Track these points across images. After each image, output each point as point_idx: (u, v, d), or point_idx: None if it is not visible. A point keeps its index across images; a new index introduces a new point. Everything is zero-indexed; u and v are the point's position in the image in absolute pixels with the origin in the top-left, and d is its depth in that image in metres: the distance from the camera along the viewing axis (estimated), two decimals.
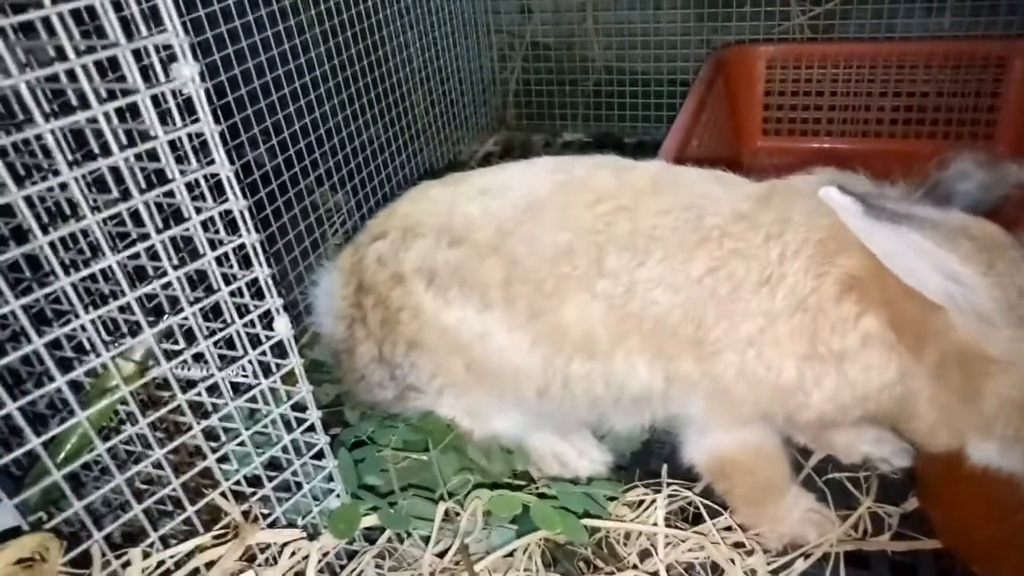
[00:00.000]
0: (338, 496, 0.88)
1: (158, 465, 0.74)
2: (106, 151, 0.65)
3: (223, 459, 0.84)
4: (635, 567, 0.95)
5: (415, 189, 1.12)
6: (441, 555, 0.91)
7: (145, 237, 0.67)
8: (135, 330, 0.72)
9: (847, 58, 1.91)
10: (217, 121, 1.19)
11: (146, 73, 0.67)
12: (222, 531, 0.76)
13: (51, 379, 0.64)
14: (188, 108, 0.67)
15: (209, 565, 0.73)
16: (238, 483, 0.85)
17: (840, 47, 1.94)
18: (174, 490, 0.74)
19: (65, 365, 0.69)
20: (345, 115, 1.64)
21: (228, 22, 1.26)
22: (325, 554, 0.87)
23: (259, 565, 0.76)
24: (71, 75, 0.66)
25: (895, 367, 0.84)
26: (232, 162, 1.23)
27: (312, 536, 0.83)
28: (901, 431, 0.97)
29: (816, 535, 0.97)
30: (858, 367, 0.84)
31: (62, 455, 0.74)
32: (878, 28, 1.99)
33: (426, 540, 0.90)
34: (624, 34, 2.23)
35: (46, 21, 0.67)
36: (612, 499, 1.02)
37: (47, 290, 0.64)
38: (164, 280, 0.69)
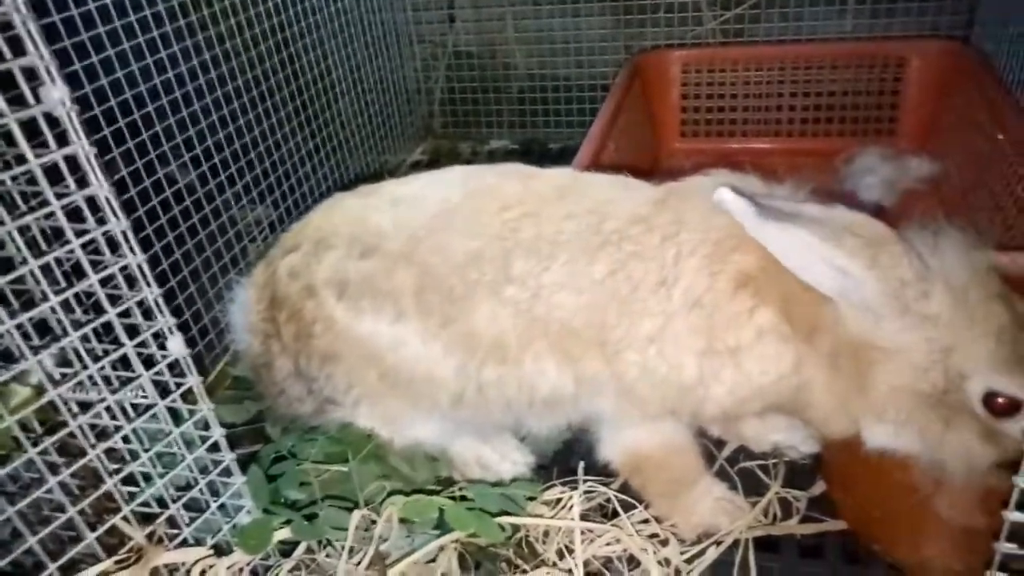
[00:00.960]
0: (248, 512, 0.88)
1: (64, 491, 0.73)
2: None
3: (134, 482, 0.83)
4: (554, 564, 0.97)
5: (328, 201, 1.12)
6: (360, 563, 0.91)
7: (24, 262, 0.66)
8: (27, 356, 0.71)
9: (757, 60, 1.98)
10: (123, 140, 1.20)
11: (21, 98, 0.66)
12: (126, 556, 0.75)
13: None
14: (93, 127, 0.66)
15: None
16: (148, 505, 0.84)
17: (750, 50, 2.01)
18: (73, 517, 0.72)
19: None
20: (264, 127, 1.63)
21: (133, 38, 1.24)
22: (240, 571, 0.86)
23: None
24: None
25: (790, 358, 0.88)
26: (142, 179, 1.24)
27: (223, 553, 0.82)
28: (800, 419, 1.01)
29: (728, 523, 1.01)
30: (754, 359, 0.88)
31: None
32: (786, 31, 2.07)
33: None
34: (545, 41, 2.26)
35: None
36: (531, 499, 1.03)
37: None
38: (48, 304, 0.67)
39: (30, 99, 0.64)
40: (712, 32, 2.12)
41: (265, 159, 1.62)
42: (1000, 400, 0.79)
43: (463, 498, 0.99)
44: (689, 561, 0.97)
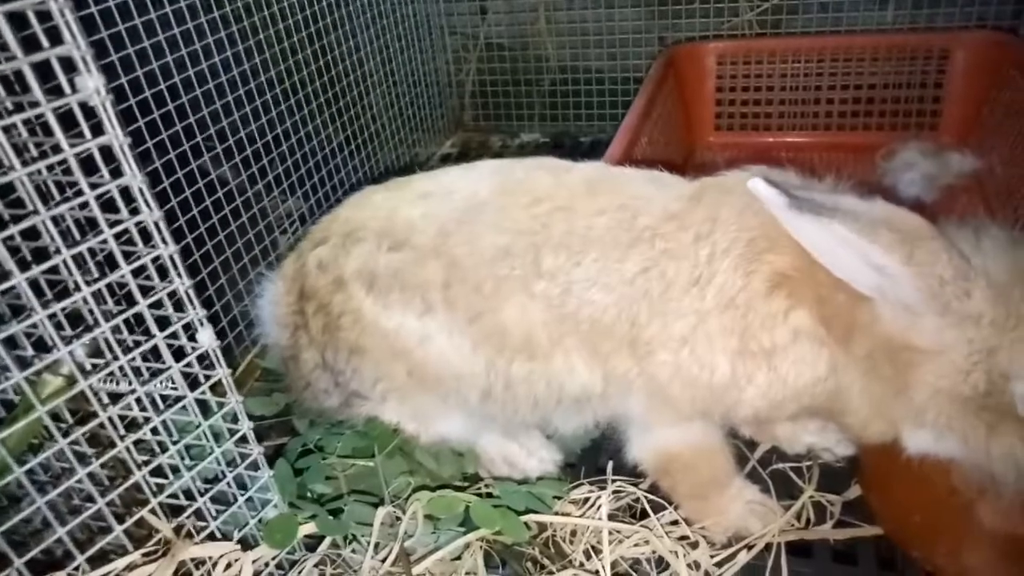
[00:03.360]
0: (275, 506, 0.88)
1: (93, 482, 0.73)
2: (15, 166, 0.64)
3: (162, 474, 0.84)
4: (581, 565, 0.95)
5: (357, 194, 1.11)
6: (386, 559, 0.90)
7: (57, 252, 0.66)
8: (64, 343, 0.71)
9: (794, 52, 1.93)
10: (157, 131, 1.21)
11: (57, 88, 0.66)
12: (153, 548, 0.75)
13: None
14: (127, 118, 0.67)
15: None
16: (176, 497, 0.85)
17: (787, 42, 1.97)
18: (102, 508, 0.73)
19: None
20: (295, 120, 1.63)
21: (167, 29, 1.25)
22: (266, 564, 0.86)
23: None
24: None
25: (825, 361, 0.86)
26: (175, 171, 1.25)
27: (249, 547, 0.82)
28: (837, 423, 0.99)
29: (760, 526, 0.98)
30: (788, 362, 0.85)
31: None
32: (825, 22, 2.02)
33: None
34: (578, 33, 2.23)
35: None
36: (558, 498, 1.02)
37: None
38: (81, 295, 0.68)
39: (66, 88, 0.64)
40: (749, 23, 2.08)
41: (296, 151, 1.63)
42: None
43: (489, 495, 0.99)
44: (719, 564, 0.95)
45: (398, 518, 0.91)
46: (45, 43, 0.61)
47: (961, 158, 1.71)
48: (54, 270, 0.70)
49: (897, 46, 1.87)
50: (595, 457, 1.15)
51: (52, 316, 0.68)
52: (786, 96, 1.99)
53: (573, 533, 1.00)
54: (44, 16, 0.64)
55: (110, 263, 0.74)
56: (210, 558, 0.78)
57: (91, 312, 0.71)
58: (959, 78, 1.83)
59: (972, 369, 0.78)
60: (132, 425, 0.81)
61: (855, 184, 0.92)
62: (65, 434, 0.69)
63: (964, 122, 1.83)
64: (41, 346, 0.84)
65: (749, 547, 0.96)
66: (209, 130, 1.36)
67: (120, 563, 0.72)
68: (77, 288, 0.68)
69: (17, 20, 0.63)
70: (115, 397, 0.77)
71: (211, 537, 0.81)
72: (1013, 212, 1.45)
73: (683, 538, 0.98)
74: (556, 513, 0.99)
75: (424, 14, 2.20)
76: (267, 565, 0.86)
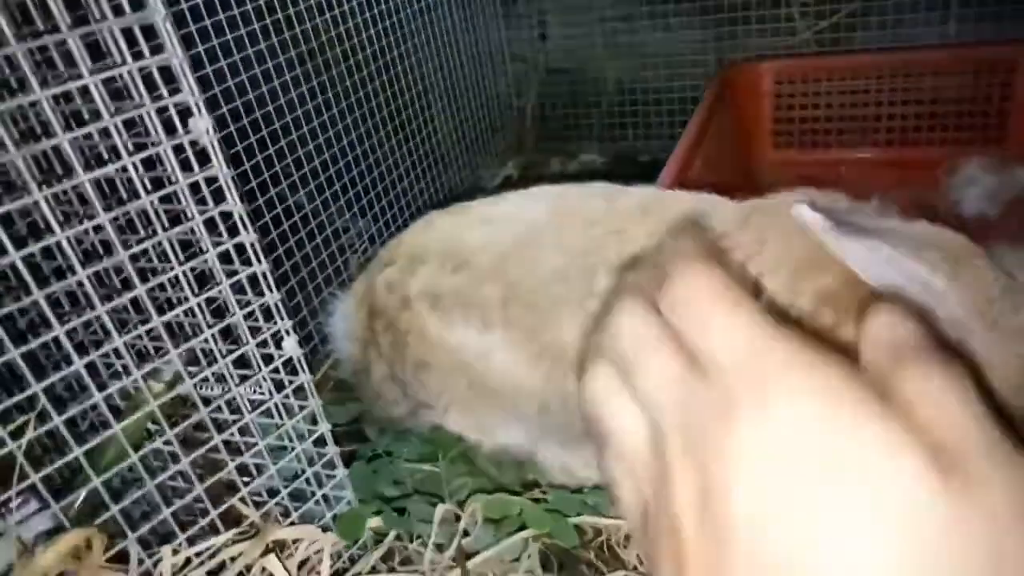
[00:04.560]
0: (348, 503, 0.96)
1: (186, 477, 0.83)
2: (133, 196, 0.74)
3: (247, 473, 0.93)
4: (635, 568, 1.00)
5: (422, 219, 1.19)
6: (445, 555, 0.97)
7: (165, 269, 0.76)
8: (163, 354, 0.81)
9: (853, 70, 1.94)
10: (240, 163, 1.33)
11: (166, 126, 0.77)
12: (244, 531, 0.84)
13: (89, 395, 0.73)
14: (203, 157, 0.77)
15: (233, 559, 0.82)
16: (260, 495, 0.94)
17: (845, 59, 1.98)
18: (199, 497, 0.82)
19: (102, 387, 0.78)
20: (366, 147, 1.74)
21: (248, 70, 1.37)
22: (339, 554, 0.94)
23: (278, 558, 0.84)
24: (104, 132, 0.76)
25: None
26: (255, 199, 1.36)
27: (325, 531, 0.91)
28: None
29: None
30: None
31: (101, 466, 0.83)
32: (884, 38, 2.02)
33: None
34: (636, 55, 2.29)
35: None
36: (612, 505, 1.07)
37: (84, 318, 0.73)
38: (187, 306, 0.77)
39: (179, 128, 0.74)
40: (807, 42, 2.10)
41: (366, 175, 1.73)
42: None
43: (545, 501, 1.04)
44: None
45: (458, 517, 0.97)
46: (164, 91, 0.72)
47: None
48: (161, 287, 0.80)
49: (960, 60, 1.86)
50: None
51: (161, 326, 0.78)
52: (846, 113, 2.00)
53: (627, 538, 1.04)
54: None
55: (201, 281, 0.84)
56: (293, 541, 0.87)
57: (191, 324, 0.80)
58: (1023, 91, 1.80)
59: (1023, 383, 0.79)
60: (222, 428, 0.90)
61: (910, 202, 0.94)
62: (172, 426, 0.78)
63: None
64: (139, 357, 0.94)
65: None
66: (287, 159, 1.47)
67: (218, 540, 0.81)
68: (182, 301, 0.77)
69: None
70: (206, 402, 0.87)
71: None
72: None
73: None
74: (610, 517, 1.03)
75: (486, 42, 2.30)
76: (340, 556, 0.94)
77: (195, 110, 0.71)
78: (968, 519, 0.31)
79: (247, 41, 1.36)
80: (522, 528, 1.00)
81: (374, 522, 0.96)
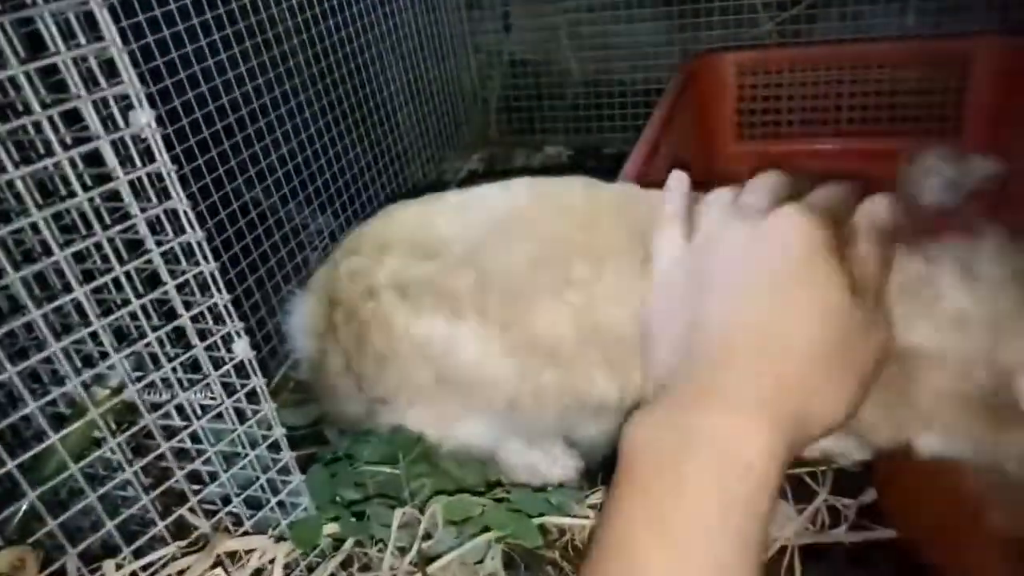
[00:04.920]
0: (305, 509, 0.93)
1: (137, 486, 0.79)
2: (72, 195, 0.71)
3: (199, 480, 0.90)
4: None
5: (391, 207, 1.15)
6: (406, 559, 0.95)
7: (110, 270, 0.72)
8: (107, 359, 0.77)
9: (814, 61, 1.95)
10: (194, 157, 1.28)
11: (107, 121, 0.73)
12: (193, 543, 0.81)
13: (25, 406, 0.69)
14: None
15: (182, 572, 0.78)
16: (212, 502, 0.90)
17: (807, 51, 1.99)
18: (146, 507, 0.79)
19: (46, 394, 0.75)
20: (325, 140, 1.70)
21: (201, 61, 1.32)
22: (296, 562, 0.91)
23: (227, 571, 0.81)
24: (36, 126, 0.72)
25: None
26: (209, 195, 1.32)
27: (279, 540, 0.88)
28: (846, 431, 1.00)
29: (774, 530, 1.00)
30: None
31: (41, 477, 0.79)
32: (845, 30, 2.04)
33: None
34: (600, 47, 2.28)
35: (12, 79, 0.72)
36: (577, 504, 1.05)
37: (17, 322, 0.69)
38: (128, 309, 0.74)
39: (120, 122, 0.70)
40: (769, 34, 2.11)
41: (326, 170, 1.69)
42: None
43: (508, 501, 1.02)
44: None
45: (418, 520, 0.95)
46: (103, 81, 0.68)
47: (984, 163, 1.70)
48: (102, 289, 0.76)
49: (917, 52, 1.88)
50: (615, 464, 1.18)
51: (104, 330, 0.75)
52: (808, 104, 2.00)
53: (591, 537, 1.03)
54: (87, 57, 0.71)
55: (151, 282, 0.81)
56: (245, 551, 0.84)
57: (136, 328, 0.77)
58: (981, 83, 1.83)
59: (972, 368, 0.79)
60: (172, 434, 0.87)
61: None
62: (122, 433, 0.75)
63: (987, 127, 1.83)
64: (86, 363, 0.90)
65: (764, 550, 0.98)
66: (243, 154, 1.43)
67: (166, 551, 0.78)
68: (124, 304, 0.74)
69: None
70: (156, 407, 0.83)
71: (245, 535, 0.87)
72: None
73: None
74: (573, 516, 1.02)
75: (449, 34, 2.26)
76: (297, 564, 0.91)
77: (136, 102, 0.67)
78: (852, 311, 0.70)
79: (200, 31, 1.32)
80: (485, 530, 0.99)
81: (332, 528, 0.93)
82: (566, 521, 1.02)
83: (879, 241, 0.74)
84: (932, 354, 0.81)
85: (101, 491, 0.74)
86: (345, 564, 0.94)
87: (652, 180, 1.11)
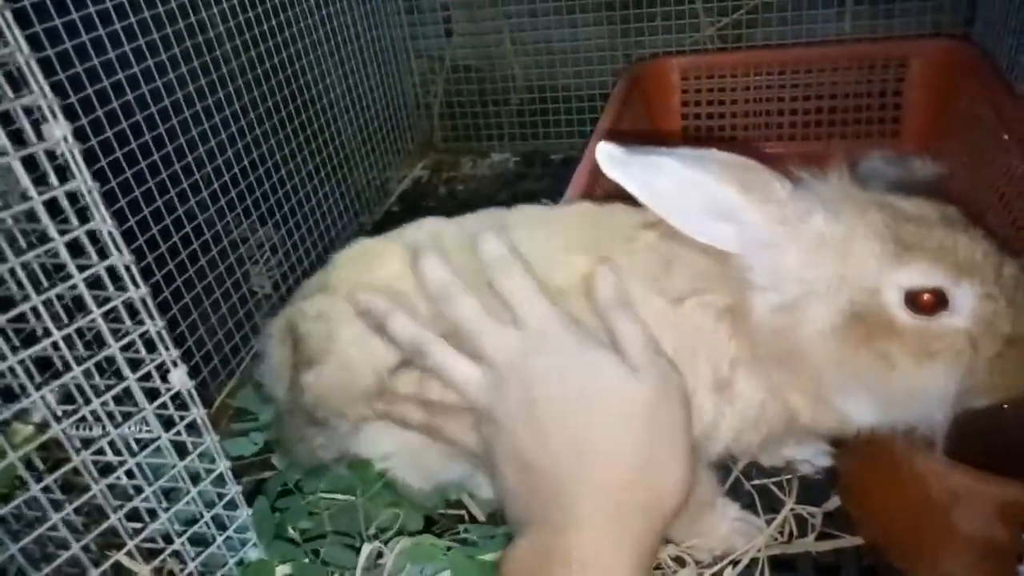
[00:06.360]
0: (255, 545, 0.86)
1: (71, 526, 0.72)
2: None
3: (139, 518, 0.82)
4: None
5: (350, 248, 1.08)
6: None
7: (26, 299, 0.65)
8: (30, 393, 0.70)
9: (756, 65, 1.96)
10: (121, 171, 1.20)
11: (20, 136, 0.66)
12: None
13: None
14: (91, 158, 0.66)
15: None
16: (154, 541, 0.83)
17: (748, 55, 2.00)
18: (77, 553, 0.71)
19: None
20: (263, 150, 1.62)
21: (128, 67, 1.24)
22: None
23: None
24: None
25: (754, 383, 0.85)
26: (140, 210, 1.23)
27: None
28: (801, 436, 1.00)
29: (744, 543, 0.99)
30: (735, 394, 0.85)
31: None
32: (785, 35, 2.07)
33: None
34: (543, 52, 2.25)
35: None
36: None
37: None
38: (49, 341, 0.67)
39: (31, 137, 0.63)
40: (711, 38, 2.12)
41: (265, 180, 1.62)
42: (924, 296, 0.74)
43: (464, 541, 0.96)
44: None
45: (380, 555, 0.90)
46: (8, 92, 0.61)
47: (923, 164, 1.74)
48: (21, 318, 0.68)
49: (855, 56, 1.91)
50: None
51: (21, 362, 0.67)
52: (751, 108, 2.02)
53: None
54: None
55: (78, 307, 0.73)
56: None
57: (61, 358, 0.70)
58: (917, 86, 1.87)
59: (839, 295, 0.76)
60: (107, 470, 0.80)
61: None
62: (38, 480, 0.68)
63: (925, 128, 1.87)
64: (7, 395, 0.82)
65: (734, 563, 0.97)
66: (174, 166, 1.34)
67: None
68: (47, 334, 0.67)
69: None
70: (88, 442, 0.76)
71: None
72: (975, 214, 1.48)
73: (675, 558, 0.98)
74: None
75: (389, 38, 2.21)
76: None
77: (49, 114, 0.61)
78: (641, 390, 0.79)
79: (123, 36, 1.23)
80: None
81: (284, 570, 0.87)
82: None
83: (625, 311, 0.83)
84: (800, 299, 0.78)
85: (22, 543, 0.66)
86: None
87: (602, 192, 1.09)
